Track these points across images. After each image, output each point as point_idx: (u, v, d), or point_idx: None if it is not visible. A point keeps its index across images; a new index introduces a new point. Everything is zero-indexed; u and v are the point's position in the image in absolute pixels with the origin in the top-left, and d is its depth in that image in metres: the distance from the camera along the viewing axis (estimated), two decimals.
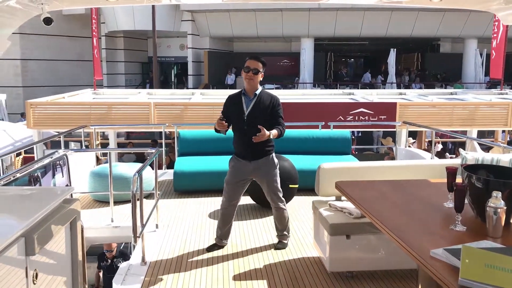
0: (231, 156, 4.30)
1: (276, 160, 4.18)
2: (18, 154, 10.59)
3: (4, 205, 2.16)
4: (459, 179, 2.79)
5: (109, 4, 3.87)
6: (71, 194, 2.52)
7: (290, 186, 5.37)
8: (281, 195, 4.20)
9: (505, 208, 2.21)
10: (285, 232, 4.31)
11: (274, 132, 3.90)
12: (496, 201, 2.20)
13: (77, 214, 2.44)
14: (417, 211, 2.72)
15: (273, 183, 4.14)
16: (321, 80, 25.49)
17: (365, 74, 25.74)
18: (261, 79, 4.09)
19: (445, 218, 2.60)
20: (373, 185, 3.30)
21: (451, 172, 2.71)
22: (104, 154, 9.77)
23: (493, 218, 2.22)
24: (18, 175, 3.93)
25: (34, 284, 1.92)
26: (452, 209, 2.68)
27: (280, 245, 4.28)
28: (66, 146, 6.62)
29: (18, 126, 12.51)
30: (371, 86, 23.67)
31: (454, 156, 12.03)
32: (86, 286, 2.63)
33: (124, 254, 6.99)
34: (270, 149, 4.11)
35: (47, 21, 3.18)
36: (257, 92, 4.06)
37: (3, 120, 15.75)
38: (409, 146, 10.14)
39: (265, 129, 3.80)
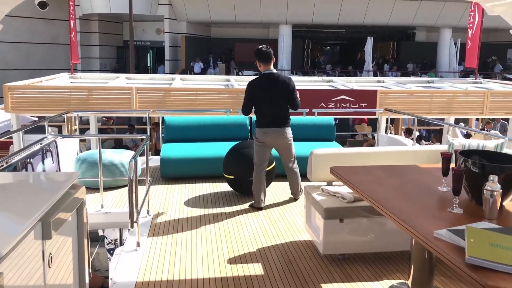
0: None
1: (257, 133, 4.96)
2: None
3: (16, 191, 2.15)
4: (451, 164, 2.91)
5: None
6: None
7: (267, 169, 5.42)
8: (254, 160, 5.03)
9: (501, 191, 2.32)
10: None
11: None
12: (493, 184, 2.31)
13: (83, 200, 2.45)
14: (413, 195, 2.82)
15: None
16: (298, 67, 25.61)
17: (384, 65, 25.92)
18: (260, 68, 4.90)
19: (440, 201, 2.71)
20: (368, 170, 3.39)
21: (446, 158, 2.81)
22: (82, 139, 9.64)
23: (489, 201, 2.33)
24: (12, 161, 3.87)
25: (50, 267, 1.93)
26: (447, 193, 2.80)
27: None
28: (44, 131, 6.49)
29: None
30: (348, 74, 23.94)
31: (430, 143, 12.34)
32: (90, 271, 2.65)
33: None
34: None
35: (42, 5, 3.12)
36: None
37: None
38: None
39: None
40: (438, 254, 2.00)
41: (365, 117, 14.15)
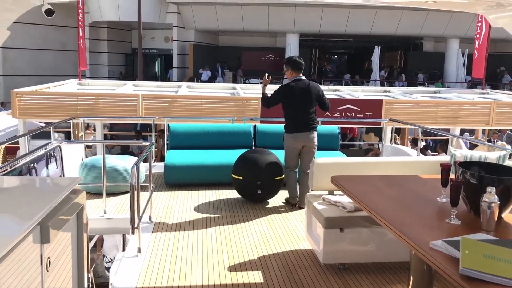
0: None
1: (284, 137, 5.32)
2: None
3: (17, 194, 2.19)
4: (451, 175, 2.91)
5: None
6: None
7: (275, 178, 5.51)
8: (285, 164, 5.43)
9: (499, 203, 2.32)
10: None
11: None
12: (491, 196, 2.31)
13: (83, 205, 2.47)
14: (412, 205, 2.83)
15: None
16: (305, 76, 25.63)
17: (400, 75, 25.73)
18: (290, 75, 5.26)
19: (439, 212, 2.71)
20: (368, 180, 3.40)
21: (445, 169, 2.81)
22: (89, 145, 9.72)
23: (487, 212, 2.33)
24: (17, 165, 3.93)
25: (48, 271, 1.96)
26: (445, 204, 2.80)
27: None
28: (50, 137, 6.57)
29: (1, 115, 12.31)
30: (354, 83, 23.96)
31: (436, 153, 12.30)
32: (90, 275, 2.67)
33: None
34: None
35: (49, 12, 3.18)
36: None
37: None
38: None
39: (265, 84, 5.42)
40: (433, 264, 2.00)
41: (355, 126, 14.17)
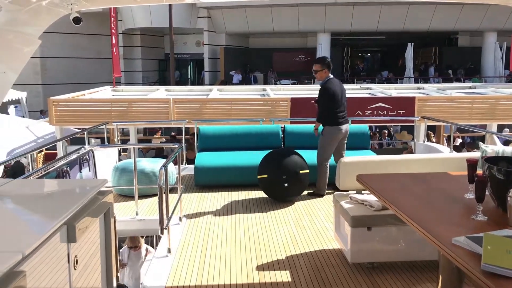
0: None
1: (327, 131, 5.66)
2: (40, 151, 10.82)
3: (46, 195, 2.29)
4: (479, 172, 2.84)
5: (135, 3, 3.98)
6: None
7: (300, 172, 5.59)
8: (321, 157, 5.73)
9: None
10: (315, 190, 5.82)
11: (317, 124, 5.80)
12: None
13: (111, 206, 2.55)
14: (438, 202, 2.78)
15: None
16: (337, 75, 25.40)
17: (447, 71, 25.15)
18: (325, 74, 5.72)
19: (466, 209, 2.66)
20: (394, 178, 3.36)
21: (471, 164, 2.75)
22: (124, 150, 9.99)
23: None
24: (51, 169, 4.10)
25: (75, 269, 2.04)
26: (473, 200, 2.73)
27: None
28: (88, 142, 6.79)
29: (40, 123, 12.79)
30: (388, 80, 23.57)
31: (465, 150, 11.91)
32: (119, 274, 2.75)
33: None
34: (324, 123, 5.71)
35: (77, 20, 3.31)
36: (320, 83, 5.81)
37: (23, 117, 16.10)
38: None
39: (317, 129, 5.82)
40: (455, 260, 1.96)
41: (407, 124, 13.86)
